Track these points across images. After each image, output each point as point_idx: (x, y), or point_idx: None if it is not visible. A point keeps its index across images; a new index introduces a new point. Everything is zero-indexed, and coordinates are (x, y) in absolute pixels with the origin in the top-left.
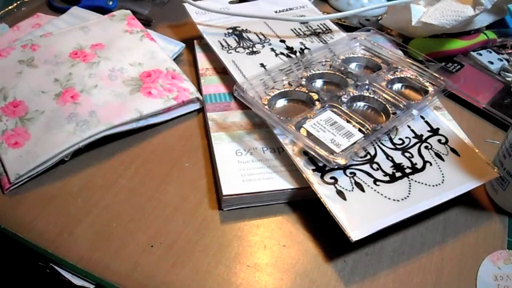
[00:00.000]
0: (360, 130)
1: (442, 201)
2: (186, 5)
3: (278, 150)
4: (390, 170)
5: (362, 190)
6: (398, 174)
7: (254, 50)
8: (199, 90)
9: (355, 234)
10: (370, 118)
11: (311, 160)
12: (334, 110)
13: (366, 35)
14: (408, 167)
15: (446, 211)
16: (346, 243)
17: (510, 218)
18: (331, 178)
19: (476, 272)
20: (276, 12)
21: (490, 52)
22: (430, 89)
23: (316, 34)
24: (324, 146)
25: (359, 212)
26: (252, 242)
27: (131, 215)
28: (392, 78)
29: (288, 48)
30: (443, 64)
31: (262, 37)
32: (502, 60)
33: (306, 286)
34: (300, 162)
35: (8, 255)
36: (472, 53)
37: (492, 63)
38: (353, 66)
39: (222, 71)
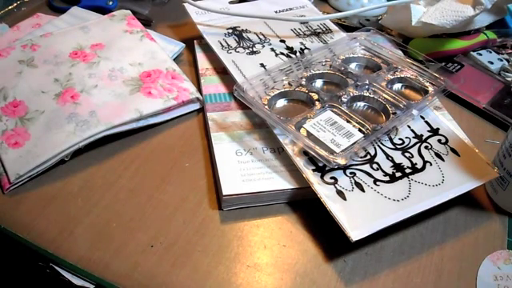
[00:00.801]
0: (360, 130)
1: (442, 201)
2: (185, 5)
3: (278, 150)
4: (390, 170)
5: (362, 190)
6: (398, 174)
7: (254, 49)
8: (199, 90)
9: (355, 233)
10: (370, 117)
11: (311, 160)
12: (334, 110)
13: (366, 35)
14: (408, 167)
15: (446, 211)
16: (346, 243)
17: (509, 218)
18: (331, 178)
19: (476, 272)
20: (276, 12)
21: (490, 52)
22: (430, 89)
23: (316, 33)
24: (324, 146)
25: (359, 212)
26: (252, 242)
27: (131, 215)
28: (392, 78)
29: (288, 48)
30: (443, 64)
31: (261, 37)
32: (502, 60)
33: (306, 286)
34: (300, 162)
35: (8, 255)
36: (472, 53)
37: (492, 63)
38: (353, 66)
39: (222, 71)
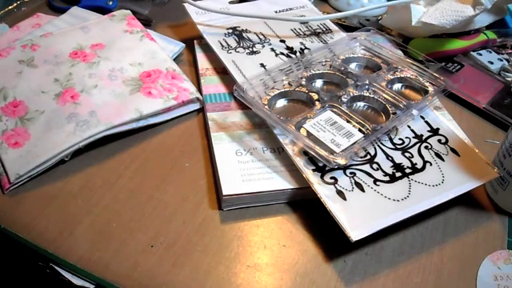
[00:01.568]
0: (360, 130)
1: (442, 201)
2: (185, 5)
3: (278, 150)
4: (389, 170)
5: (362, 190)
6: (398, 174)
7: (254, 49)
8: (199, 90)
9: (355, 233)
10: (370, 118)
11: (311, 160)
12: (334, 110)
13: (366, 35)
14: (408, 167)
15: (446, 211)
16: (346, 243)
17: (509, 218)
18: (331, 178)
19: (476, 272)
20: (276, 12)
21: (490, 52)
22: (430, 89)
23: (316, 33)
24: (324, 146)
25: (359, 212)
26: (252, 242)
27: (131, 215)
28: (392, 78)
29: (288, 48)
30: (443, 64)
31: (262, 37)
32: (502, 60)
33: (306, 286)
34: (300, 162)
35: (8, 255)
36: (472, 53)
37: (492, 63)
38: (353, 66)
39: (222, 71)
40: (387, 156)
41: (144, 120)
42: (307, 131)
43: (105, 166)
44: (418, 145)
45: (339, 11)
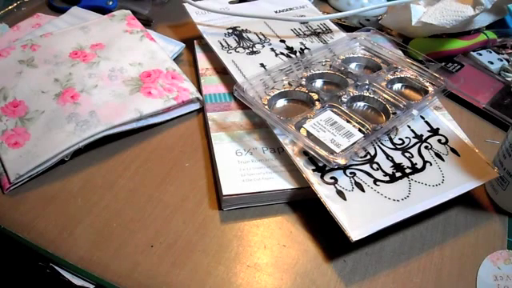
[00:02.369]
0: (360, 130)
1: (442, 201)
2: (185, 5)
3: (278, 150)
4: (389, 170)
5: (362, 190)
6: (398, 174)
7: (254, 50)
8: (199, 90)
9: (355, 233)
10: (370, 118)
11: (311, 160)
12: (334, 110)
13: (365, 35)
14: (408, 167)
15: (446, 211)
16: (346, 243)
17: (509, 218)
18: (331, 178)
19: (476, 272)
20: (276, 12)
21: (490, 52)
22: (430, 89)
23: (316, 33)
24: (324, 146)
25: (359, 212)
26: (252, 242)
27: (131, 215)
28: (392, 78)
29: (288, 48)
30: (443, 64)
31: (262, 37)
32: (502, 60)
33: (306, 286)
34: (300, 162)
35: (8, 255)
36: (472, 53)
37: (492, 63)
38: (353, 66)
39: (222, 71)
40: (387, 156)
41: (144, 120)
42: (307, 131)
43: (105, 166)
44: (418, 145)
45: (339, 11)
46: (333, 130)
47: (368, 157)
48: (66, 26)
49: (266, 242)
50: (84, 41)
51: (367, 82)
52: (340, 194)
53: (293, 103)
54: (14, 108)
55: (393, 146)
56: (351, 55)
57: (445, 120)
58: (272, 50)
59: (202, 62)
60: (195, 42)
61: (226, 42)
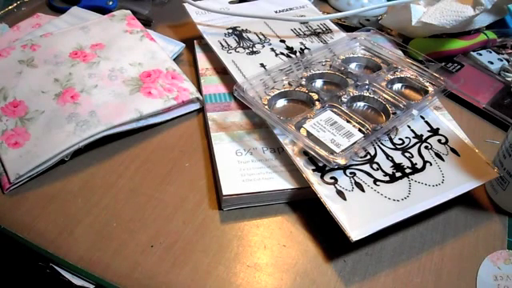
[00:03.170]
0: (360, 130)
1: (442, 201)
2: (185, 5)
3: (278, 150)
4: (389, 170)
5: (362, 190)
6: (397, 174)
7: (254, 50)
8: (199, 90)
9: (355, 233)
10: (370, 118)
11: (311, 160)
12: (334, 110)
13: (366, 35)
14: (408, 167)
15: (446, 211)
16: (346, 243)
17: (510, 218)
18: (331, 178)
19: (476, 272)
20: (276, 12)
21: (490, 52)
22: (430, 89)
23: (316, 34)
24: (324, 146)
25: (359, 212)
26: (252, 242)
27: (131, 215)
28: (392, 78)
29: (288, 48)
30: (443, 64)
31: (262, 37)
32: (502, 60)
33: (306, 286)
34: (300, 162)
35: (8, 255)
36: (472, 53)
37: (492, 63)
38: (353, 66)
39: (222, 71)
40: (387, 156)
41: (144, 120)
42: (307, 131)
43: (105, 166)
44: (418, 145)
45: (339, 11)
46: (333, 130)
47: (368, 157)
48: (65, 26)
49: (266, 241)
50: (84, 41)
51: (367, 82)
52: (340, 193)
53: (293, 103)
54: (14, 108)
55: (393, 146)
56: (351, 55)
57: (445, 120)
58: (272, 49)
59: (202, 62)
60: (195, 42)
61: (226, 42)
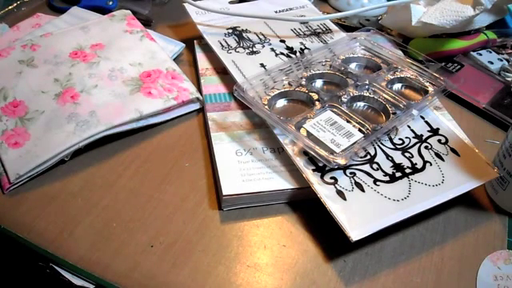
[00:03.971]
0: (360, 130)
1: (442, 201)
2: (185, 5)
3: (278, 150)
4: (389, 170)
5: (362, 190)
6: (397, 174)
7: (254, 50)
8: (199, 90)
9: (355, 233)
10: (370, 118)
11: (311, 160)
12: (334, 110)
13: (365, 35)
14: (408, 167)
15: (445, 211)
16: (346, 243)
17: (509, 218)
18: (331, 178)
19: (476, 272)
20: (276, 12)
21: (490, 52)
22: (430, 89)
23: (316, 33)
24: (324, 146)
25: (359, 212)
26: (252, 242)
27: (131, 215)
28: (392, 78)
29: (288, 48)
30: (443, 64)
31: (262, 37)
32: (502, 60)
33: (306, 286)
34: (300, 162)
35: (8, 255)
36: (472, 53)
37: (492, 63)
38: (353, 66)
39: (222, 71)
40: (387, 156)
41: (144, 120)
42: (307, 131)
43: (105, 166)
44: (418, 145)
45: (339, 11)
46: (333, 130)
47: (368, 157)
48: (65, 26)
49: (266, 241)
50: (84, 41)
51: (367, 82)
52: (340, 194)
53: (293, 103)
54: (14, 108)
55: (393, 146)
56: (351, 55)
57: (445, 120)
58: (272, 49)
59: (202, 62)
60: (195, 42)
61: (225, 41)
